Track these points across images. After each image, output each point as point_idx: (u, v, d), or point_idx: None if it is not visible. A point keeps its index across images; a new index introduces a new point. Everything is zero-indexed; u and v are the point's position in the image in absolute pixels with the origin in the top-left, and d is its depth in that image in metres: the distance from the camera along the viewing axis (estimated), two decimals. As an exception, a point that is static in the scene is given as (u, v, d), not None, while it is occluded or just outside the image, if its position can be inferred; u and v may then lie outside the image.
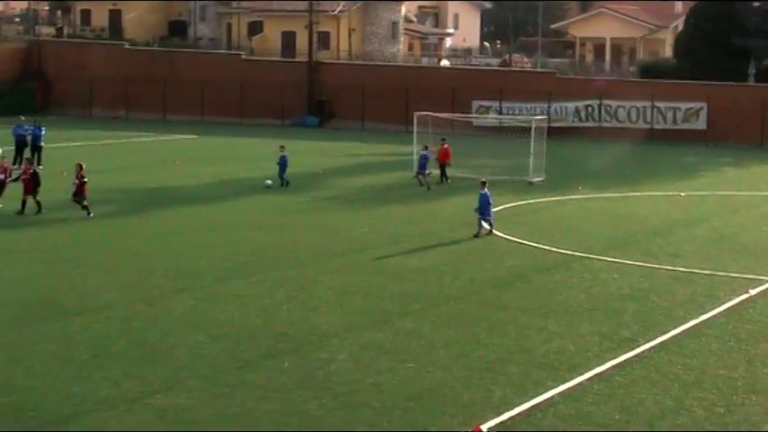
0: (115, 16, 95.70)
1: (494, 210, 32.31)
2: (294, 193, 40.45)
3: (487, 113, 70.60)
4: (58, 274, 25.12)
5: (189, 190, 40.95)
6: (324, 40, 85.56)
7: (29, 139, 47.54)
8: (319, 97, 78.32)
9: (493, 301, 23.56)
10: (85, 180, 33.29)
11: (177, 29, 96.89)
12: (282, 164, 41.56)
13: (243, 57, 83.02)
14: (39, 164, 47.01)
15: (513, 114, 68.20)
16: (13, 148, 47.21)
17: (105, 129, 70.63)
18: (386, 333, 20.51)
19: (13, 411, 15.61)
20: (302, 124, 76.82)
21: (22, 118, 49.43)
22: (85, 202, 33.41)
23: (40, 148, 47.61)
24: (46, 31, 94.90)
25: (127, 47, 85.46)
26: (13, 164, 46.60)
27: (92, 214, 33.22)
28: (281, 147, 42.40)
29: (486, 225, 31.79)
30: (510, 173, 44.90)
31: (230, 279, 25.04)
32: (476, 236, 31.30)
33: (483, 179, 32.83)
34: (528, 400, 16.60)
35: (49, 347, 18.96)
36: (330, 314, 21.83)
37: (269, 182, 39.75)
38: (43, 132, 48.16)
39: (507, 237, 31.63)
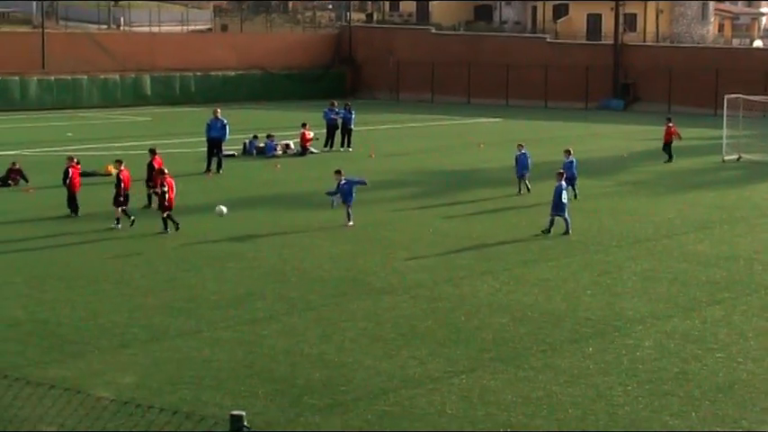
0: (422, 1, 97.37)
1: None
2: (599, 177, 40.04)
3: (803, 96, 67.57)
4: (366, 254, 25.86)
5: (493, 172, 41.21)
6: (630, 21, 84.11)
7: (339, 122, 49.17)
8: (624, 80, 77.27)
9: (808, 291, 22.61)
10: (165, 190, 27.84)
11: (483, 13, 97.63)
12: (521, 163, 35.47)
13: (548, 40, 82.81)
14: (349, 146, 48.66)
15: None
16: (325, 130, 48.98)
17: (411, 112, 72.15)
18: (693, 321, 20.04)
19: (325, 385, 16.20)
20: (607, 107, 76.00)
21: (334, 102, 51.14)
22: (174, 217, 28.05)
23: (350, 131, 49.15)
24: (356, 17, 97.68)
25: (433, 31, 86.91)
26: (324, 146, 48.43)
27: (168, 231, 27.80)
28: (520, 145, 35.91)
29: (562, 222, 28.07)
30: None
31: (535, 262, 25.08)
32: (543, 231, 28.05)
33: (559, 170, 29.11)
34: None
35: (359, 325, 19.58)
36: (635, 300, 21.53)
37: (223, 209, 28.06)
38: (353, 116, 49.67)
39: (824, 225, 30.26)
